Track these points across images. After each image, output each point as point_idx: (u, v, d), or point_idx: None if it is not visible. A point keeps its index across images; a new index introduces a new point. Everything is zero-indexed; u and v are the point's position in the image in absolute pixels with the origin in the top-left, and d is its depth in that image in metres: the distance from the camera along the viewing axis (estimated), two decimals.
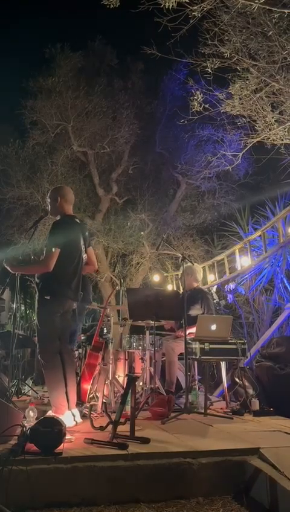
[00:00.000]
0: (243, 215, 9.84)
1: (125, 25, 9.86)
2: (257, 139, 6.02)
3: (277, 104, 5.73)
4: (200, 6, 4.64)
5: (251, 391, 4.44)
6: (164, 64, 9.65)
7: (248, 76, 5.46)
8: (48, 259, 3.37)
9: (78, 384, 4.15)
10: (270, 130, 5.79)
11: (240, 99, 5.69)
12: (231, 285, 7.80)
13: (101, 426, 3.16)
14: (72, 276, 3.53)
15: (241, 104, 5.74)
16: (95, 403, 4.19)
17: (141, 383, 4.57)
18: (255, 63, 5.31)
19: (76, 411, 3.49)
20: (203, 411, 4.04)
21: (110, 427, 2.91)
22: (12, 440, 2.62)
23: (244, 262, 7.60)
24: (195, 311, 4.94)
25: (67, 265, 3.50)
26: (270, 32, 4.92)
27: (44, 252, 3.42)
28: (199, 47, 5.34)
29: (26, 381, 6.18)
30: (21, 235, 9.58)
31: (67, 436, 2.72)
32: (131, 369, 5.11)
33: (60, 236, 3.44)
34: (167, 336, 5.21)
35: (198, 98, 5.82)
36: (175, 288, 9.57)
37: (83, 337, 5.49)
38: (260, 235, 7.35)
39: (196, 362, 4.77)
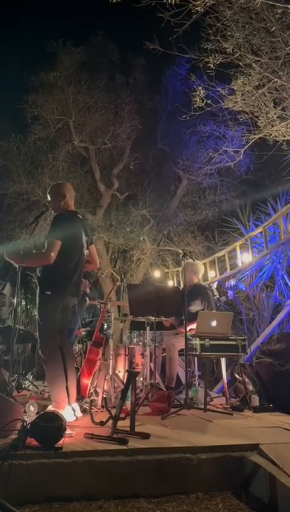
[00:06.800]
0: (245, 211, 9.81)
1: (127, 20, 9.80)
2: (259, 136, 6.00)
3: (279, 100, 5.72)
4: (203, 1, 4.61)
5: (250, 387, 4.45)
6: (166, 59, 9.57)
7: (250, 72, 5.44)
8: (49, 252, 3.36)
9: (78, 379, 4.16)
10: (272, 126, 5.77)
11: (242, 95, 5.68)
12: (232, 282, 7.82)
13: (101, 421, 3.17)
14: (73, 272, 3.53)
15: (244, 100, 5.72)
16: (95, 398, 4.20)
17: (141, 379, 4.58)
18: (257, 58, 5.28)
19: (76, 406, 3.49)
20: (203, 407, 4.06)
21: (110, 422, 2.92)
22: (13, 435, 2.62)
23: (245, 258, 7.59)
24: (195, 307, 4.94)
25: (69, 261, 3.50)
26: (273, 28, 4.89)
27: (45, 245, 3.42)
28: (201, 42, 5.32)
29: (27, 376, 6.19)
30: (22, 230, 9.57)
31: (68, 431, 2.72)
32: (131, 364, 5.12)
33: (61, 230, 3.43)
34: (168, 332, 5.21)
35: (200, 93, 5.80)
36: (176, 284, 9.56)
37: (83, 332, 5.50)
38: (261, 232, 7.34)
39: (196, 358, 4.78)
